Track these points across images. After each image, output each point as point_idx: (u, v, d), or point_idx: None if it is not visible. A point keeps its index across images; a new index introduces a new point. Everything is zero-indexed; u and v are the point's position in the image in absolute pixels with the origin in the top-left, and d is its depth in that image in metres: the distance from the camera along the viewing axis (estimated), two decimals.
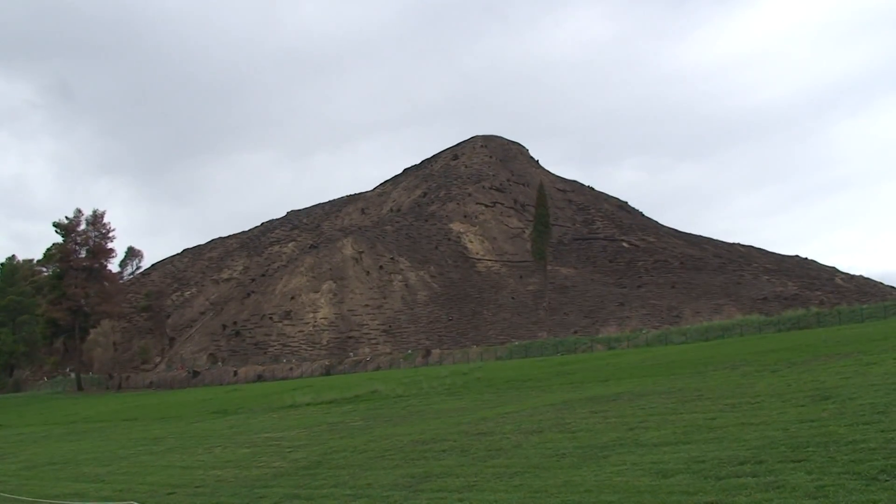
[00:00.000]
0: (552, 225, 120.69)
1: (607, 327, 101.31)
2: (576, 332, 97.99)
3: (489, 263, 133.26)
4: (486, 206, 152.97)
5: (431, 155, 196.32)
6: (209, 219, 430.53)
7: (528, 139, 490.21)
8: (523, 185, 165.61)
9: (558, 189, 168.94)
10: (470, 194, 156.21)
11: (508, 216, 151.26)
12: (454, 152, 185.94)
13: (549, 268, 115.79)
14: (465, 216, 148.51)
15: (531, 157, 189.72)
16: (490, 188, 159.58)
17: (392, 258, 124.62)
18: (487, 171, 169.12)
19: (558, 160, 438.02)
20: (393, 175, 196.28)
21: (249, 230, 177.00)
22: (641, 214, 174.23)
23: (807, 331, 60.96)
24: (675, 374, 33.53)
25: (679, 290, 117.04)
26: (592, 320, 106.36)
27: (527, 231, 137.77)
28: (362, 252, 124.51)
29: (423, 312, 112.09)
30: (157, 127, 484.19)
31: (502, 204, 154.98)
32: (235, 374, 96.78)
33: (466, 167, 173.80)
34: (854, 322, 64.29)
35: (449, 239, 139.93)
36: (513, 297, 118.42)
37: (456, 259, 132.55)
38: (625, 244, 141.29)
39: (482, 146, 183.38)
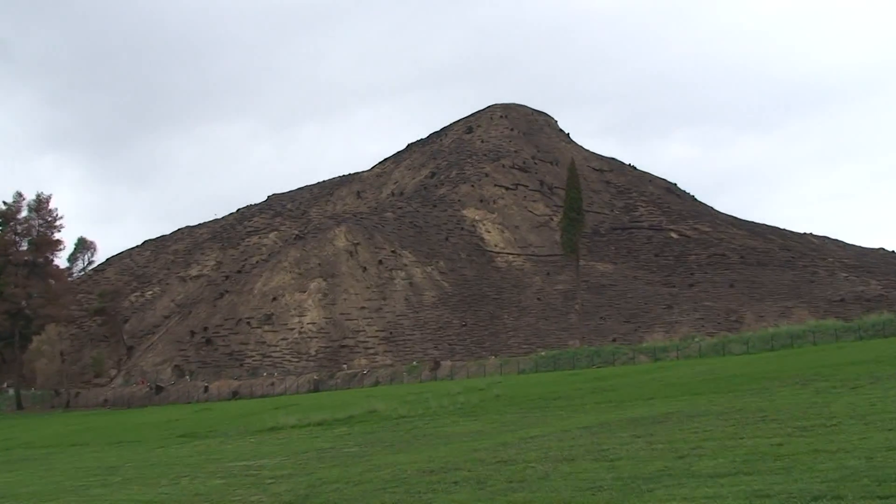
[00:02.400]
0: (586, 211, 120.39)
1: (652, 334, 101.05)
2: (614, 341, 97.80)
3: (510, 258, 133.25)
4: (507, 188, 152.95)
5: (441, 127, 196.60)
6: (175, 204, 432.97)
7: (557, 108, 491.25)
8: (551, 163, 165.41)
9: (593, 168, 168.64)
10: (487, 175, 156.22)
11: (533, 201, 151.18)
12: (468, 124, 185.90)
13: (582, 263, 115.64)
14: (480, 201, 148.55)
15: (560, 130, 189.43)
16: (511, 167, 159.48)
17: (393, 251, 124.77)
18: (508, 146, 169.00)
19: (593, 133, 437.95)
20: (395, 151, 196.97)
21: (223, 218, 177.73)
22: (693, 199, 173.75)
23: (893, 339, 60.59)
24: (734, 390, 33.40)
25: (739, 289, 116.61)
26: (634, 326, 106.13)
27: (555, 219, 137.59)
28: (358, 244, 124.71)
29: (430, 316, 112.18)
30: (111, 93, 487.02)
31: (526, 186, 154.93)
32: (206, 389, 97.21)
33: (483, 142, 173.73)
34: None
35: (462, 228, 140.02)
36: (538, 299, 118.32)
37: (470, 252, 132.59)
38: (673, 235, 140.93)
39: (502, 116, 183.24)
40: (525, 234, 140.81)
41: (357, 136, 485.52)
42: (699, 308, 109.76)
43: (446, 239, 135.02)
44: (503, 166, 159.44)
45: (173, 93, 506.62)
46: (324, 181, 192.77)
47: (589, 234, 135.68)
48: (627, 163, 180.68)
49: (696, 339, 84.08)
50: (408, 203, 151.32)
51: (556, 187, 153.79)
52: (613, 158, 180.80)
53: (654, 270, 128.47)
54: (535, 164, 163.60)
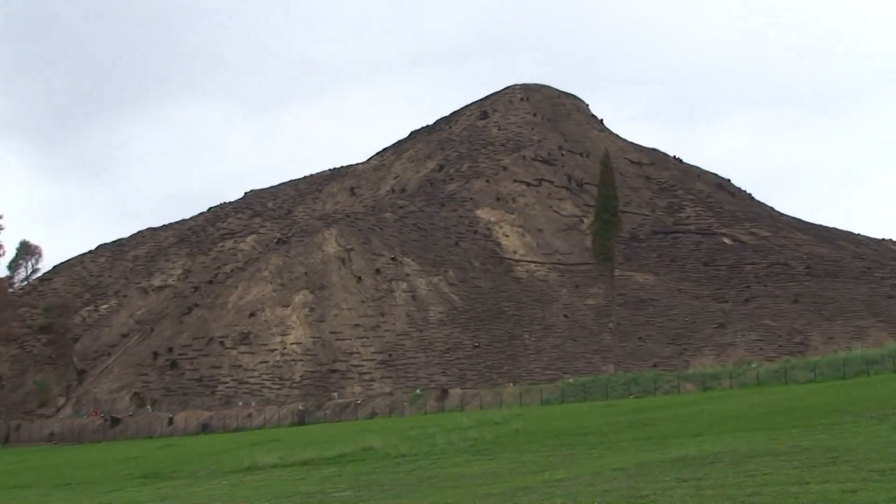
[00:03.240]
0: (622, 212, 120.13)
1: (701, 359, 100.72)
2: (656, 366, 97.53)
3: (532, 267, 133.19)
4: (528, 184, 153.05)
5: (450, 112, 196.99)
6: (134, 202, 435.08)
7: (588, 89, 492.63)
8: (581, 154, 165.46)
9: (631, 161, 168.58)
10: (505, 168, 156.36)
11: (560, 199, 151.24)
12: (483, 108, 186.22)
13: (617, 273, 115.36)
14: (497, 199, 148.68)
15: (592, 116, 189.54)
16: (534, 159, 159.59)
17: (393, 259, 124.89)
18: (530, 134, 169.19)
19: (631, 119, 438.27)
20: (395, 141, 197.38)
21: (191, 218, 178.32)
22: (750, 198, 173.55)
23: None
24: (798, 425, 33.26)
25: (805, 305, 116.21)
26: (680, 348, 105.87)
27: (586, 221, 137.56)
28: (351, 250, 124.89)
29: (437, 336, 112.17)
30: (61, 72, 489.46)
31: (551, 182, 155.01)
32: (171, 422, 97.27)
33: (500, 129, 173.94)
34: None
35: (475, 231, 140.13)
36: (565, 316, 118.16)
37: (484, 260, 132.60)
38: (726, 240, 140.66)
39: (522, 99, 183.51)
40: (550, 238, 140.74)
41: (351, 121, 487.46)
42: (757, 327, 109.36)
43: (456, 244, 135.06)
44: (524, 158, 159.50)
45: (135, 71, 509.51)
46: (311, 175, 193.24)
47: (626, 238, 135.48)
48: (672, 154, 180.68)
49: (753, 365, 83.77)
50: (411, 201, 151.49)
51: (586, 183, 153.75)
52: (655, 149, 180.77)
53: (703, 282, 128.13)
54: (562, 155, 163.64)
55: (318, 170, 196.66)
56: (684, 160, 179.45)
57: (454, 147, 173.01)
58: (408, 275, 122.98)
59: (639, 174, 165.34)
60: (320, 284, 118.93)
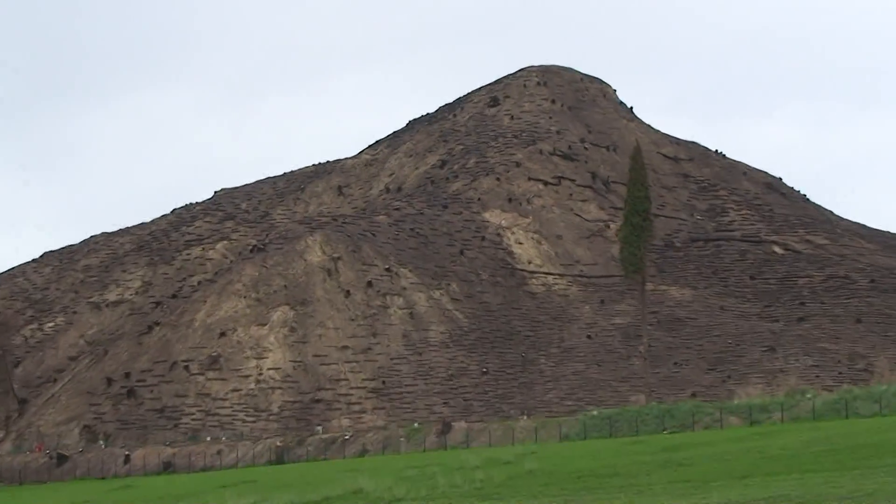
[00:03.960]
0: (655, 216, 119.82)
1: (747, 387, 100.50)
2: (694, 396, 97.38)
3: (549, 279, 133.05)
4: (546, 183, 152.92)
5: (454, 99, 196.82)
6: (87, 202, 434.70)
7: (616, 73, 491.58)
8: (607, 148, 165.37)
9: (666, 156, 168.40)
10: (518, 164, 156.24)
11: (582, 200, 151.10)
12: (492, 93, 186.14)
13: (649, 287, 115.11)
14: (509, 200, 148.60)
15: (620, 104, 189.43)
16: (552, 154, 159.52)
17: (388, 269, 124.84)
18: (548, 124, 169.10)
19: (666, 108, 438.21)
20: (390, 132, 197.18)
21: (153, 222, 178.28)
22: (805, 199, 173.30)
23: None
24: (860, 467, 33.19)
25: (869, 325, 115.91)
26: (722, 375, 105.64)
27: (613, 226, 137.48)
28: (338, 259, 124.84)
29: (438, 360, 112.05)
30: (2, 51, 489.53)
31: (572, 180, 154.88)
32: (128, 459, 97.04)
33: (513, 119, 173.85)
34: None
35: (483, 238, 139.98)
36: (588, 337, 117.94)
37: (494, 271, 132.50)
38: (777, 249, 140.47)
39: (539, 84, 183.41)
40: (570, 246, 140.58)
41: (339, 110, 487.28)
42: (812, 351, 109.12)
43: (461, 253, 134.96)
44: (540, 152, 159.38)
45: (87, 51, 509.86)
46: (292, 172, 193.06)
47: (659, 247, 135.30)
48: (713, 149, 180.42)
49: (808, 395, 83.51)
50: (408, 203, 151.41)
51: (613, 182, 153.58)
52: (694, 142, 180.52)
53: (750, 298, 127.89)
54: (586, 149, 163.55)
55: (301, 166, 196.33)
56: (728, 155, 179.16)
57: (459, 139, 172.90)
58: (404, 288, 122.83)
59: (675, 171, 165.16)
60: (302, 299, 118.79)
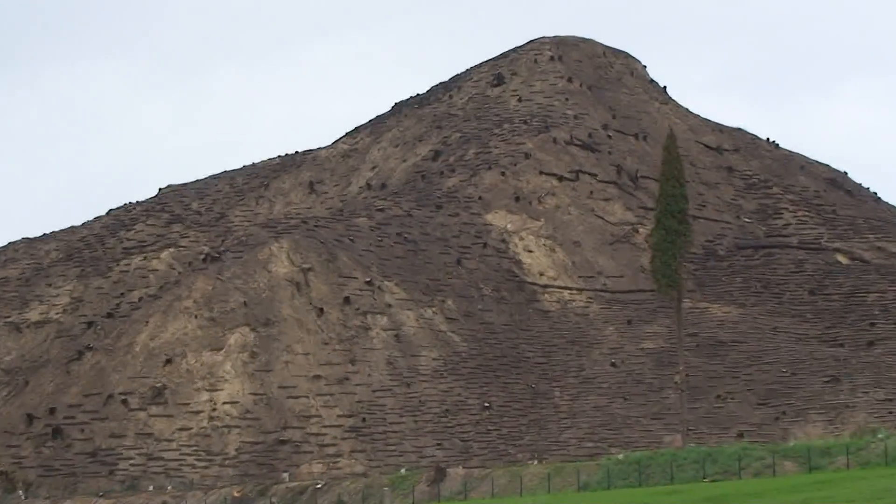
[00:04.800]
0: (694, 218, 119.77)
1: (805, 426, 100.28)
2: (741, 436, 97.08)
3: (565, 295, 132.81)
4: (561, 178, 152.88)
5: (450, 76, 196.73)
6: (2, 202, 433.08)
7: (646, 46, 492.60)
8: (636, 136, 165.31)
9: (707, 146, 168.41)
10: (528, 155, 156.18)
11: (605, 200, 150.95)
12: (497, 70, 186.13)
13: (686, 304, 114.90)
14: (517, 199, 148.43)
15: (651, 82, 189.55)
16: (569, 143, 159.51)
17: (369, 282, 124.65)
18: (563, 108, 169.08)
19: (706, 88, 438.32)
20: (373, 116, 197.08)
21: (84, 226, 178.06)
22: (875, 198, 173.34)
23: None
24: None
25: None
26: (775, 411, 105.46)
27: (642, 230, 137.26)
28: (310, 270, 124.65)
29: (430, 392, 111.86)
30: None
31: (593, 175, 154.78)
32: None
33: (521, 100, 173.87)
34: None
35: (485, 245, 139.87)
36: (613, 364, 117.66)
37: (498, 285, 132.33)
38: (841, 258, 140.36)
39: (553, 59, 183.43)
40: (591, 254, 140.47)
41: (309, 89, 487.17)
42: (884, 382, 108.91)
43: (458, 262, 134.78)
44: (555, 141, 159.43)
45: (4, 19, 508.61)
46: (254, 165, 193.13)
47: (699, 255, 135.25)
48: (764, 137, 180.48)
49: (880, 436, 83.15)
50: (394, 202, 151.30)
51: (643, 177, 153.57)
52: (740, 129, 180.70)
53: (809, 318, 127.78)
54: (609, 137, 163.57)
55: (264, 157, 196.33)
56: (782, 145, 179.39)
57: (456, 125, 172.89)
58: (389, 306, 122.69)
59: (717, 164, 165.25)
60: (265, 319, 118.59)
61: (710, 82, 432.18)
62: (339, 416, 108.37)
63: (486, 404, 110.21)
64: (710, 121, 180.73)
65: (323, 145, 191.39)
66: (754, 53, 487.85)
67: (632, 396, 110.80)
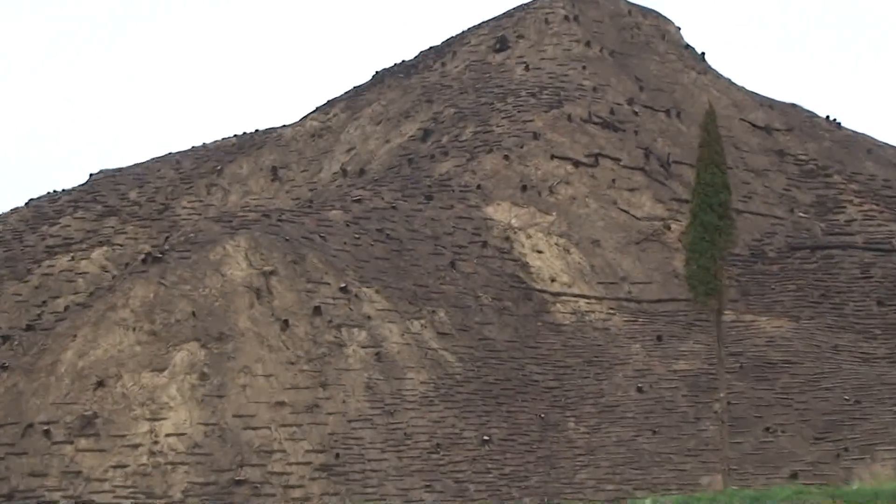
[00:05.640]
0: (738, 213, 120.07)
1: (872, 464, 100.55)
2: (795, 476, 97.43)
3: (581, 305, 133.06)
4: (578, 163, 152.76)
5: (443, 40, 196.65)
6: None
7: (679, 3, 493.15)
8: (667, 113, 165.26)
9: (754, 125, 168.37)
10: (536, 136, 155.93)
11: (630, 189, 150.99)
12: (499, 31, 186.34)
13: (729, 317, 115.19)
14: (523, 188, 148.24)
15: (686, 48, 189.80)
16: (586, 121, 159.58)
17: (344, 289, 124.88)
18: (580, 78, 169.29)
19: (753, 54, 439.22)
20: (349, 87, 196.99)
21: None
22: None
23: None
24: None
25: None
26: (835, 447, 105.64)
27: (675, 226, 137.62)
28: (272, 273, 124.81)
29: (418, 423, 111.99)
30: None
31: (615, 160, 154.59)
32: None
33: (529, 69, 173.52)
34: None
35: (485, 244, 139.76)
36: (640, 389, 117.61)
37: (500, 292, 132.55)
38: None
39: (568, 18, 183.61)
40: (613, 256, 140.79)
41: (272, 52, 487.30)
42: None
43: (452, 265, 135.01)
44: (569, 119, 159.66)
45: None
46: (204, 146, 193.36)
47: (744, 258, 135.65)
48: (824, 114, 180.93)
49: None
50: (375, 192, 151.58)
51: (676, 162, 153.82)
52: (794, 105, 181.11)
53: (878, 334, 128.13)
54: (636, 114, 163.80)
55: (217, 137, 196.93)
56: (846, 125, 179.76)
57: (450, 99, 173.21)
58: (369, 317, 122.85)
59: (766, 147, 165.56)
60: (218, 333, 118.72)
61: (758, 47, 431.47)
62: (307, 451, 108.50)
63: (486, 437, 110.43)
64: (757, 94, 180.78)
65: (288, 122, 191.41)
66: (813, 12, 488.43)
67: (662, 429, 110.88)
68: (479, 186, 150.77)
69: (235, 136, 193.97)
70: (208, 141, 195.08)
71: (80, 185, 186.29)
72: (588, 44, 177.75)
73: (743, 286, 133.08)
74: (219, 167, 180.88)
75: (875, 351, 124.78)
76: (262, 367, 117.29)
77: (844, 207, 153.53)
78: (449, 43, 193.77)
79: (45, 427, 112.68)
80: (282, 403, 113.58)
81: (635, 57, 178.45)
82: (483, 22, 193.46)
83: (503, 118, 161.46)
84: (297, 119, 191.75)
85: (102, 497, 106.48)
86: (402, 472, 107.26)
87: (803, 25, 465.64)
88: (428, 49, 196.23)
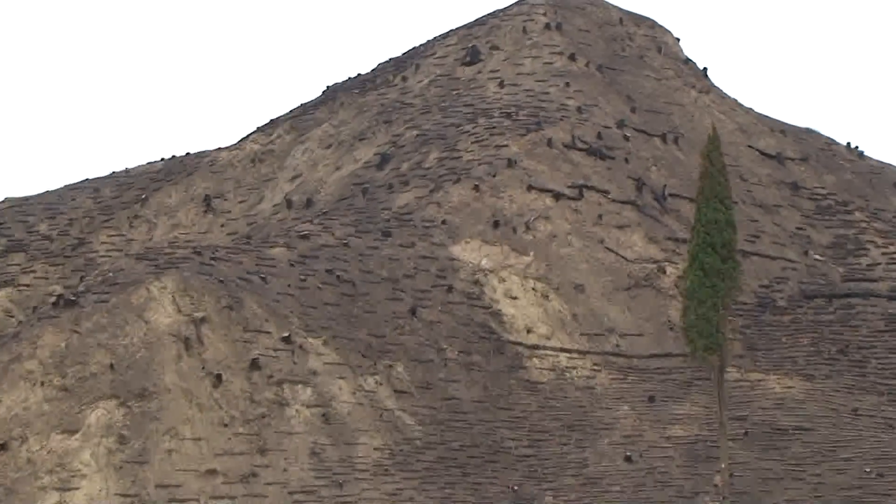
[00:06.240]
0: (745, 255, 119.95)
1: None
2: None
3: (562, 360, 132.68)
4: (559, 196, 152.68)
5: (404, 51, 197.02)
6: None
7: (678, 13, 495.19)
8: (663, 138, 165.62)
9: (763, 153, 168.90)
10: (512, 163, 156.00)
11: (620, 226, 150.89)
12: (469, 41, 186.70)
13: (733, 375, 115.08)
14: (495, 224, 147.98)
15: (686, 62, 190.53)
16: (569, 147, 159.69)
17: (287, 339, 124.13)
18: (562, 96, 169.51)
19: (761, 71, 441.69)
20: (295, 105, 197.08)
21: None
22: None
23: None
24: None
25: None
26: None
27: (672, 270, 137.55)
28: (203, 321, 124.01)
29: (372, 496, 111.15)
30: None
31: (602, 192, 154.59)
32: None
33: (503, 86, 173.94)
34: None
35: (450, 289, 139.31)
36: (629, 458, 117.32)
37: (468, 345, 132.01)
38: None
39: (549, 27, 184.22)
40: (599, 304, 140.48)
41: (205, 65, 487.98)
42: None
43: (412, 313, 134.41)
44: (549, 143, 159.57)
45: None
46: (127, 171, 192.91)
47: (751, 306, 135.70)
48: (844, 142, 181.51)
49: None
50: (324, 227, 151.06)
51: (673, 195, 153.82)
52: (810, 130, 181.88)
53: None
54: (627, 139, 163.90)
55: (141, 161, 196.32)
56: (868, 153, 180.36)
57: (412, 120, 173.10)
58: (315, 373, 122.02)
59: (778, 179, 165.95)
60: (140, 390, 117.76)
61: (769, 62, 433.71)
62: None
63: None
64: (767, 117, 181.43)
65: (224, 145, 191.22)
66: (833, 22, 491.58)
67: (655, 502, 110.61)
68: (444, 221, 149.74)
69: (163, 160, 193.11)
70: (131, 166, 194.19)
71: None
72: (572, 57, 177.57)
73: (749, 339, 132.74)
74: (143, 196, 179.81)
75: None
76: (191, 429, 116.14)
77: (867, 249, 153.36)
78: (411, 54, 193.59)
79: None
80: (213, 472, 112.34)
81: (627, 72, 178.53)
82: (451, 30, 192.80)
83: (473, 142, 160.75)
84: (235, 141, 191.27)
85: None
86: None
87: (821, 38, 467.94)
88: (387, 61, 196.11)
